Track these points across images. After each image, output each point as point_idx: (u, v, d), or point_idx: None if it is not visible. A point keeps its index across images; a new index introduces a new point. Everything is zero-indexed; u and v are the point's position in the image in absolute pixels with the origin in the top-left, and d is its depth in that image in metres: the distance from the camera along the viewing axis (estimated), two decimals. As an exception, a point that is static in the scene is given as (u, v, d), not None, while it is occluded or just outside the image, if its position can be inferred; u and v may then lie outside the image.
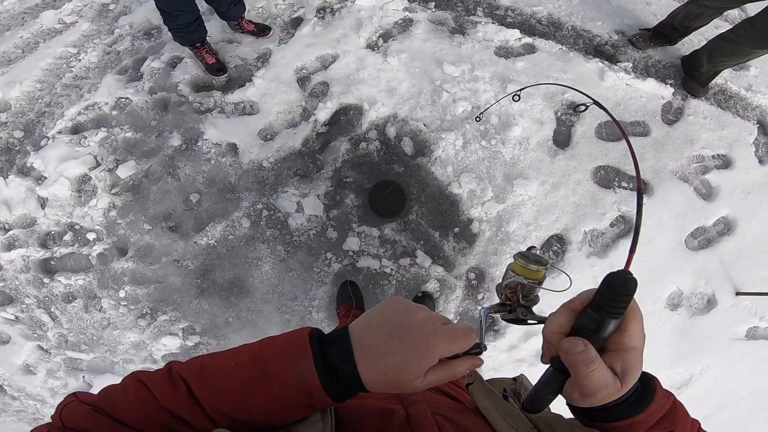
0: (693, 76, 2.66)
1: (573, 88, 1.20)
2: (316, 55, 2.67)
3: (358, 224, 2.41)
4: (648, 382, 0.52)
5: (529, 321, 0.61)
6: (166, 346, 2.35)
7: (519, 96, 1.49)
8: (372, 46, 2.69)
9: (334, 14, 2.78)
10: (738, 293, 2.44)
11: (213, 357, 0.53)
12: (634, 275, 0.45)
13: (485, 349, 0.55)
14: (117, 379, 2.20)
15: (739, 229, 2.50)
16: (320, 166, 2.48)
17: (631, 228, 2.44)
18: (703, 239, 2.53)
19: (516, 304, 0.62)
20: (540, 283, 0.61)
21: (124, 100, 2.62)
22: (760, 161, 2.61)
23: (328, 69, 2.63)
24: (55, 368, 2.42)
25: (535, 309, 0.64)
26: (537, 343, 2.33)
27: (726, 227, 2.54)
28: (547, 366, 0.52)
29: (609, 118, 2.51)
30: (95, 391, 0.52)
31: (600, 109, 0.88)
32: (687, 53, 2.73)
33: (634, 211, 2.39)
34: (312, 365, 0.48)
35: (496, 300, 0.64)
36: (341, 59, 2.64)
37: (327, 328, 2.31)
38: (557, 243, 2.43)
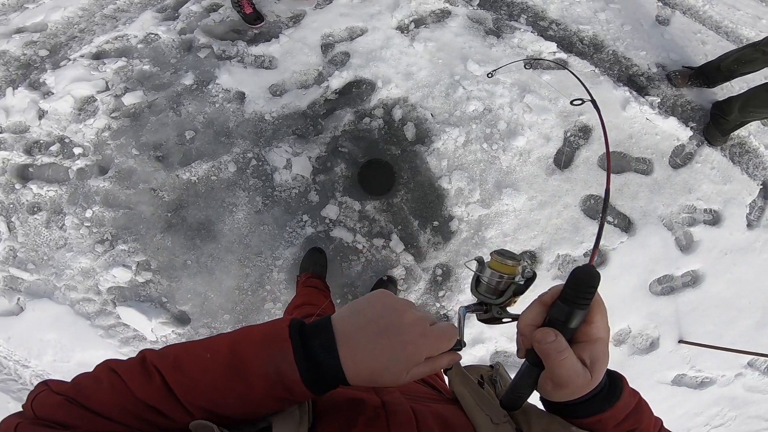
0: (717, 123, 2.53)
1: (572, 72, 1.15)
2: (346, 25, 2.67)
3: (341, 194, 2.41)
4: (616, 380, 0.54)
5: (503, 320, 0.63)
6: (115, 278, 2.33)
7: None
8: (402, 29, 2.68)
9: (376, -10, 2.76)
10: (680, 341, 2.46)
11: (188, 347, 0.52)
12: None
13: (464, 345, 0.57)
14: (54, 306, 2.16)
15: (705, 285, 2.50)
16: (320, 130, 2.47)
17: (603, 261, 2.44)
18: (667, 286, 2.53)
19: (499, 296, 0.63)
20: (515, 277, 0.62)
21: (153, 36, 2.65)
22: (749, 225, 2.55)
23: (354, 41, 2.63)
24: (-8, 285, 2.39)
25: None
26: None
27: (693, 280, 2.54)
28: (523, 362, 0.55)
29: (616, 150, 2.50)
30: (27, 313, 0.50)
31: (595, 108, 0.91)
32: (722, 98, 2.58)
33: (612, 247, 2.41)
34: (292, 360, 0.48)
35: (461, 299, 0.65)
36: (369, 34, 2.64)
37: (285, 291, 2.33)
38: (528, 259, 2.42)
